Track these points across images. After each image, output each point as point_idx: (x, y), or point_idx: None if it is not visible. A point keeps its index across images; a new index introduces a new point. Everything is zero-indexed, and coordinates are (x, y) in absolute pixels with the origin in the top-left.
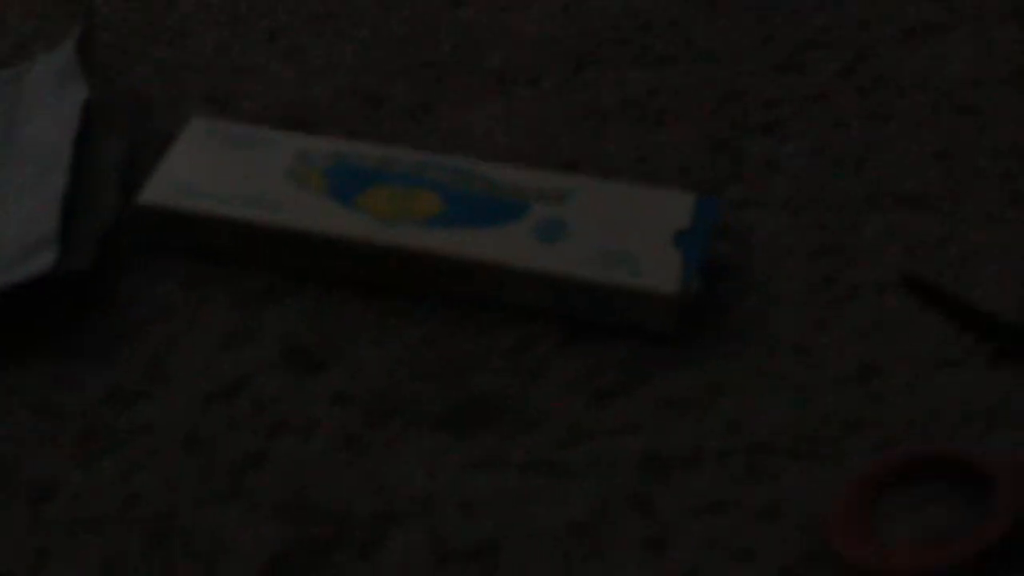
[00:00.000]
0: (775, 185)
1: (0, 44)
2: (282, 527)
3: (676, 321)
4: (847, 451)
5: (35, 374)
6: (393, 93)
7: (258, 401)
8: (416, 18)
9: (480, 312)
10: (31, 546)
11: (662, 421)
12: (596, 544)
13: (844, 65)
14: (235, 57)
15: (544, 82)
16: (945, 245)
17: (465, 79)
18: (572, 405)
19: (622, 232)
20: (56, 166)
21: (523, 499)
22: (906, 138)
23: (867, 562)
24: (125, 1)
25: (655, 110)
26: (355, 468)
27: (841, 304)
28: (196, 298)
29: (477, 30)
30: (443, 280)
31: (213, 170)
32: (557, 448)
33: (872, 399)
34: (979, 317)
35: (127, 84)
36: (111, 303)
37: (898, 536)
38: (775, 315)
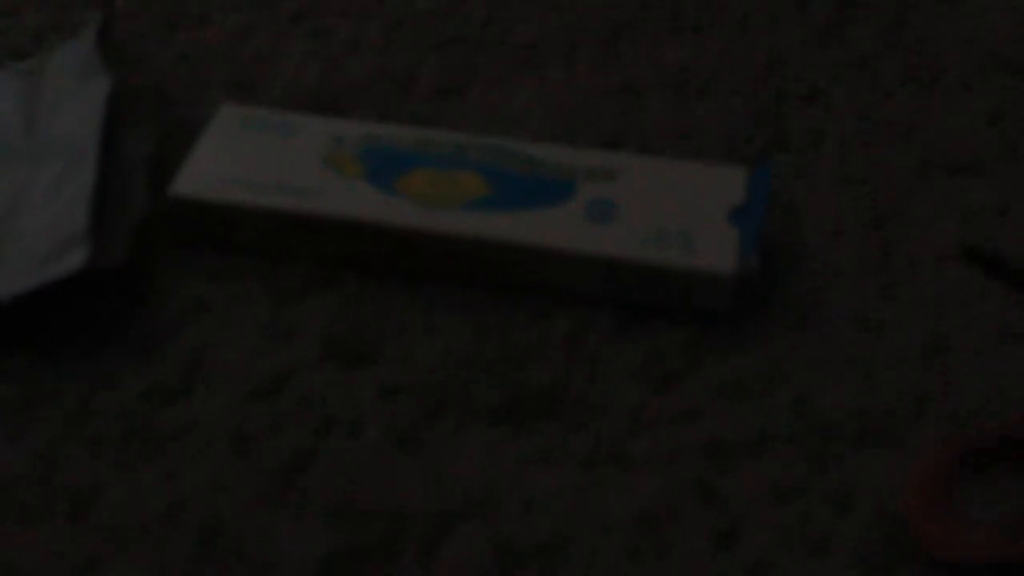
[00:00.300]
0: (822, 156)
1: (17, 35)
2: (335, 530)
3: (733, 301)
4: (918, 432)
5: (70, 375)
6: (423, 73)
7: (303, 398)
8: None
9: (530, 298)
10: (75, 556)
11: (725, 406)
12: (665, 537)
13: (884, 28)
14: (258, 41)
15: (578, 57)
16: (1003, 213)
17: (497, 56)
18: (632, 393)
19: (674, 210)
20: (83, 161)
21: (587, 493)
22: (954, 103)
23: (947, 547)
24: None
25: (694, 82)
26: (409, 466)
27: (900, 278)
28: (233, 292)
29: (506, 5)
30: (491, 266)
31: (245, 158)
32: (619, 439)
33: (940, 376)
34: None
35: (148, 73)
36: (145, 299)
37: (977, 520)
38: (833, 291)
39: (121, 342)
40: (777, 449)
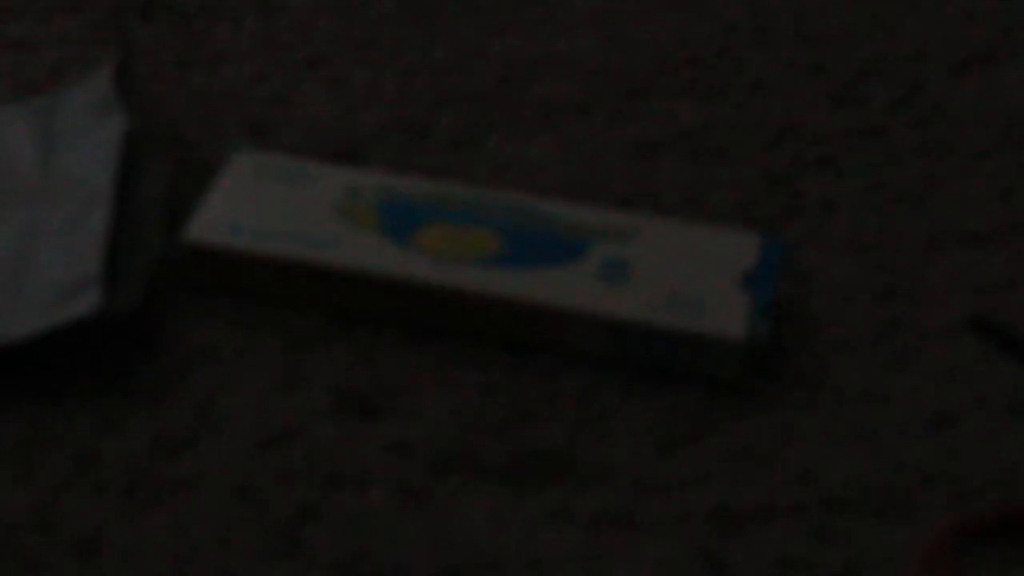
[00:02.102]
0: (834, 223)
1: (34, 70)
2: None
3: (743, 367)
4: (923, 506)
5: (78, 420)
6: (439, 124)
7: (311, 450)
8: (460, 47)
9: (541, 356)
10: None
11: (732, 473)
12: None
13: (899, 97)
14: (274, 86)
15: (593, 114)
16: (1013, 286)
17: (512, 110)
18: (639, 456)
19: (687, 274)
20: (97, 201)
21: (593, 557)
22: (967, 174)
23: None
24: (159, 27)
25: (709, 144)
26: (416, 523)
27: (909, 349)
28: (244, 341)
29: (523, 59)
30: (503, 323)
31: (260, 206)
32: (626, 503)
33: (946, 450)
34: None
35: (163, 114)
36: (155, 345)
37: None
38: (842, 360)
39: (129, 387)
40: (783, 519)
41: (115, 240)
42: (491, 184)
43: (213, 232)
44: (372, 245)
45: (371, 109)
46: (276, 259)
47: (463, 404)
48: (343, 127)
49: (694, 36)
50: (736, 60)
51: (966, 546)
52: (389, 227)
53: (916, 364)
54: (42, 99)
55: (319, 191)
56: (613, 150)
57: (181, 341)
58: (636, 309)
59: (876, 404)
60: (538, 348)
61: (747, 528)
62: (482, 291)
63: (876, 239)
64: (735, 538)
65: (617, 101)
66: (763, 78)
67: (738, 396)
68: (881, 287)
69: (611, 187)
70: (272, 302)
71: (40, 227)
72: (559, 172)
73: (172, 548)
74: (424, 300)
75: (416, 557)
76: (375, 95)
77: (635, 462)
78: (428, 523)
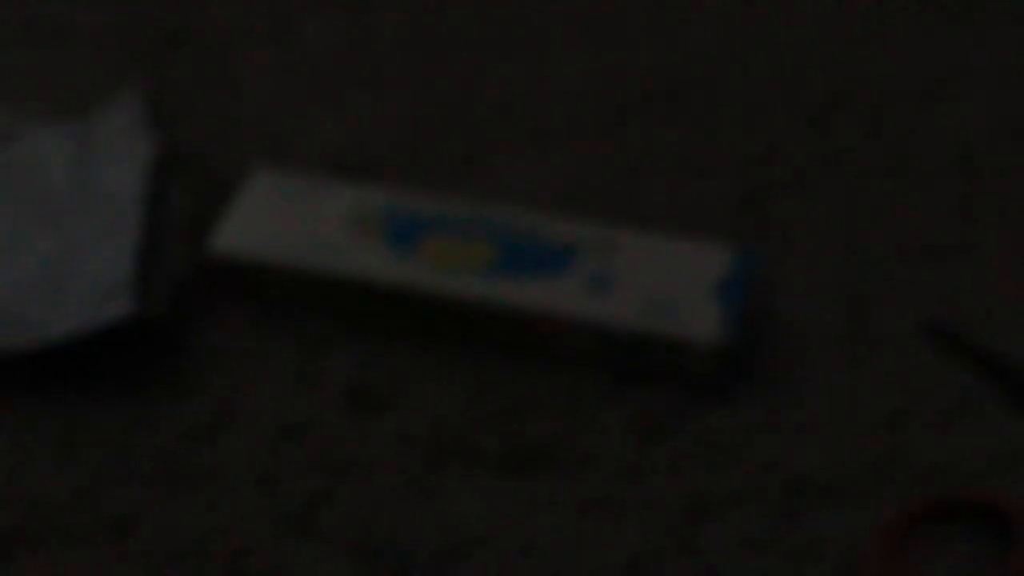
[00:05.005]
0: (803, 238)
1: (64, 94)
2: (353, 564)
3: (716, 368)
4: (877, 493)
5: (113, 413)
6: (440, 148)
7: (324, 441)
8: (462, 74)
9: (532, 358)
10: None
11: (704, 463)
12: None
13: (866, 121)
14: (290, 110)
15: (584, 137)
16: (969, 295)
17: (509, 134)
18: (621, 448)
19: (666, 284)
20: (128, 217)
21: (578, 538)
22: (928, 192)
23: None
24: (184, 56)
25: (689, 166)
26: (419, 507)
27: (869, 352)
28: (262, 342)
29: (519, 87)
30: (498, 327)
31: (278, 220)
32: (608, 489)
33: (900, 444)
34: (1001, 366)
35: (188, 136)
36: (181, 346)
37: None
38: (807, 363)
39: (158, 384)
40: (750, 504)
41: (145, 250)
42: (488, 200)
43: (235, 244)
44: (379, 256)
45: (379, 131)
46: (292, 268)
47: (461, 400)
48: (353, 148)
49: (675, 66)
50: (714, 88)
51: (915, 528)
52: (396, 239)
53: (873, 366)
54: (77, 122)
55: (331, 207)
56: (601, 169)
57: (205, 342)
58: (619, 315)
59: (836, 401)
60: (530, 350)
61: (717, 512)
62: (479, 298)
63: (842, 252)
64: (707, 521)
65: (606, 126)
66: (739, 104)
67: (711, 394)
68: (845, 296)
69: (598, 206)
70: (288, 307)
71: (77, 239)
72: (551, 190)
73: (198, 528)
74: (426, 306)
75: (419, 538)
76: (383, 119)
77: (617, 453)
78: (429, 507)
